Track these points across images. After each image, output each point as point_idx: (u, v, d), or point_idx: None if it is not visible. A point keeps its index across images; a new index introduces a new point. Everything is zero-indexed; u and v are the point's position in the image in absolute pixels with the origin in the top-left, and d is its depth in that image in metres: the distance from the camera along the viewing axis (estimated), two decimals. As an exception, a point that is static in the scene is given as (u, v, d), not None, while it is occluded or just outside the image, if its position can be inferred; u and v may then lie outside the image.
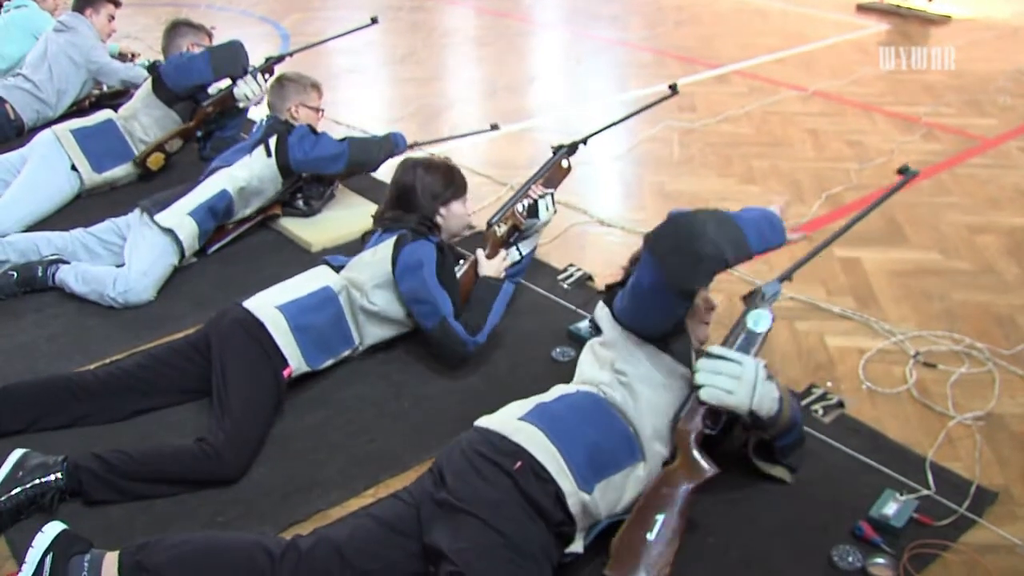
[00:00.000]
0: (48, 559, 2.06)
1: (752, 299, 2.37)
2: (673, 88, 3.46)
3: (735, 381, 2.22)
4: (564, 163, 3.48)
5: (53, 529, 2.12)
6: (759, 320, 2.32)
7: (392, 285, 3.03)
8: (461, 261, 3.23)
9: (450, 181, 3.24)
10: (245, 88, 4.44)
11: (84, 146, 4.33)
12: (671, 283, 2.19)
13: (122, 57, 5.69)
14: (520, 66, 6.91)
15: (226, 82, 4.46)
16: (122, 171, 4.45)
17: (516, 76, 6.51)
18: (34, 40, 5.31)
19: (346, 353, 3.05)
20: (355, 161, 3.92)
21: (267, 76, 4.47)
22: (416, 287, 2.97)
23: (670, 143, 5.05)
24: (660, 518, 2.14)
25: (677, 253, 2.16)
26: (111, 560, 2.05)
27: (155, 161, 4.46)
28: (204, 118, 4.50)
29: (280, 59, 4.59)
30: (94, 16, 5.22)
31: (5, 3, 5.75)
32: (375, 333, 3.10)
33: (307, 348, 2.89)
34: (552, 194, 3.37)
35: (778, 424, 2.31)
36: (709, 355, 2.27)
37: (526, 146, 5.02)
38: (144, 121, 4.46)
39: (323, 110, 4.13)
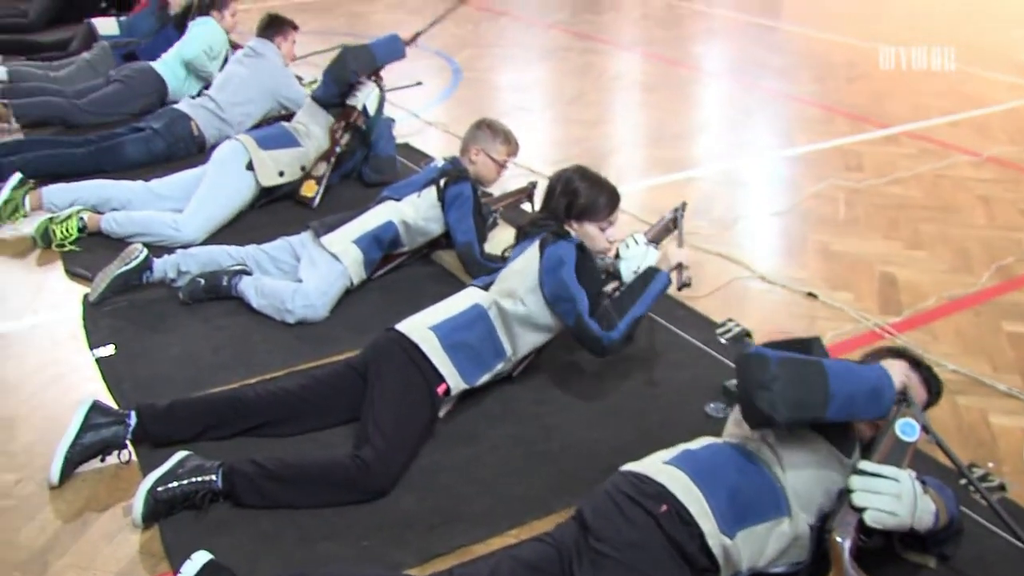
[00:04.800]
0: None
1: (899, 405, 2.25)
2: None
3: (895, 500, 2.14)
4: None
5: (201, 558, 2.27)
6: (908, 429, 2.22)
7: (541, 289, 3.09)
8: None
9: (592, 201, 3.19)
10: (360, 95, 4.77)
11: (259, 141, 4.64)
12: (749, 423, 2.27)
13: None
14: (686, 114, 6.93)
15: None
16: (287, 155, 4.69)
17: (682, 124, 6.54)
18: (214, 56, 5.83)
19: (500, 366, 3.11)
20: (463, 255, 3.87)
21: (377, 80, 4.86)
22: (556, 286, 3.04)
23: (836, 201, 4.99)
24: None
25: (743, 398, 2.22)
26: None
27: (308, 188, 4.68)
28: (337, 136, 4.78)
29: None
30: (283, 44, 5.49)
31: (190, 22, 6.10)
32: (528, 341, 3.15)
33: (462, 365, 2.98)
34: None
35: (935, 533, 2.24)
36: (862, 472, 2.18)
37: (688, 195, 5.02)
38: (313, 130, 4.79)
39: (506, 165, 4.08)
